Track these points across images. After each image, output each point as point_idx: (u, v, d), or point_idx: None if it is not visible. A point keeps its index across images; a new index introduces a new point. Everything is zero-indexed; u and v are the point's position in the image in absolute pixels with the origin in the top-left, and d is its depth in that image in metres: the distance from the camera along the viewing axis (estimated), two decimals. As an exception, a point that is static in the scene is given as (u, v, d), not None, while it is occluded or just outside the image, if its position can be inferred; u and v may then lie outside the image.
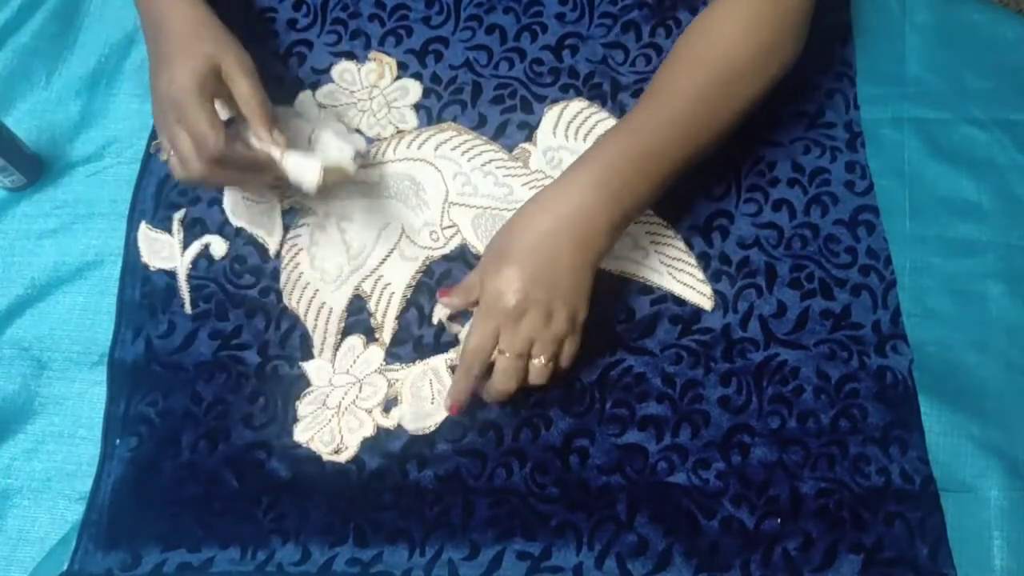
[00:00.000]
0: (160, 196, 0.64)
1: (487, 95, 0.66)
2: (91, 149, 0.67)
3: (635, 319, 0.59)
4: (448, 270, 0.61)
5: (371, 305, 0.60)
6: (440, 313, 0.59)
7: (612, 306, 0.59)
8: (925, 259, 0.61)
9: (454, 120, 0.66)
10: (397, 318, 0.60)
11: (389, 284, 0.60)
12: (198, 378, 0.58)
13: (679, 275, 0.60)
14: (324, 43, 0.69)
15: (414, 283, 0.61)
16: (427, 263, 0.61)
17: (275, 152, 0.56)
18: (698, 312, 0.59)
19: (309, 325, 0.60)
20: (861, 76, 0.67)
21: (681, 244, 0.61)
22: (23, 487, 0.56)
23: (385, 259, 0.61)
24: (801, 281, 0.60)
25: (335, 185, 0.61)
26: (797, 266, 0.60)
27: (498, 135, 0.65)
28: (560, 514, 0.53)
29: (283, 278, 0.61)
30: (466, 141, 0.65)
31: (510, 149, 0.65)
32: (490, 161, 0.64)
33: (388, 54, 0.68)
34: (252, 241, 0.62)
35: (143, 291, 0.61)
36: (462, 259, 0.61)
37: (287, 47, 0.69)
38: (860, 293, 0.59)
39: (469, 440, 0.56)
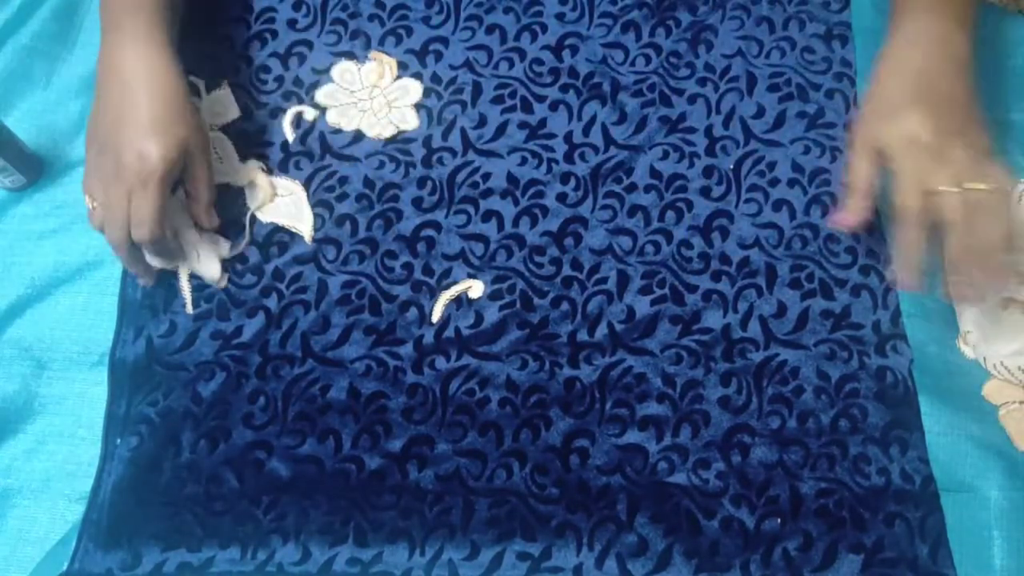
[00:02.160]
0: (160, 196, 0.64)
1: (487, 95, 0.66)
2: (91, 149, 0.67)
3: (635, 319, 0.59)
4: None
5: None
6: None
7: (612, 306, 0.59)
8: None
9: (454, 119, 0.66)
10: None
11: None
12: (199, 378, 0.58)
13: None
14: (324, 43, 0.69)
15: None
16: None
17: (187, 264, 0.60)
18: (698, 312, 0.59)
19: None
20: (861, 76, 0.67)
21: None
22: (23, 487, 0.56)
23: None
24: (801, 281, 0.60)
25: None
26: (797, 266, 0.60)
27: (498, 135, 0.65)
28: (560, 514, 0.54)
29: None
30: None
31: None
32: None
33: (388, 54, 0.68)
34: (254, 241, 0.62)
35: (144, 291, 0.61)
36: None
37: (287, 47, 0.69)
38: (860, 293, 0.59)
39: (469, 440, 0.56)
